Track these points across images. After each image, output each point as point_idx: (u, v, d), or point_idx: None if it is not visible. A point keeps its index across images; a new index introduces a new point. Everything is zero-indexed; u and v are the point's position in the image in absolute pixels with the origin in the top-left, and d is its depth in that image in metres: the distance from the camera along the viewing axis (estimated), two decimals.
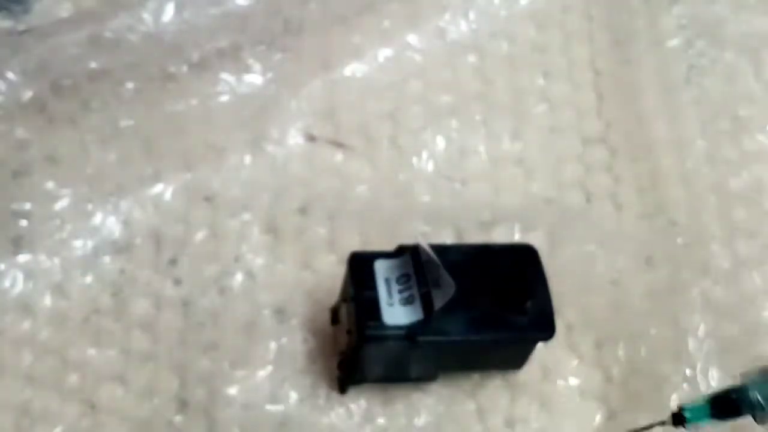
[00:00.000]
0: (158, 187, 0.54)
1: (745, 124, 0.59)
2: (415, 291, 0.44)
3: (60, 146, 0.53)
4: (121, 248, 0.52)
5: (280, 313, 0.51)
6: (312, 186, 0.55)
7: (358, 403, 0.49)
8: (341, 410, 0.49)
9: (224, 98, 0.55)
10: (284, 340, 0.50)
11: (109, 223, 0.52)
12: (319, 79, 0.57)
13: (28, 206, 0.51)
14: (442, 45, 0.60)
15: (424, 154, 0.57)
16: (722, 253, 0.54)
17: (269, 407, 0.48)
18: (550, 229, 0.53)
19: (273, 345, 0.50)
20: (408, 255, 0.45)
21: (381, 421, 0.49)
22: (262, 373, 0.49)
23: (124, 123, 0.53)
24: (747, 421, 0.46)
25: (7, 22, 0.55)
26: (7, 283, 0.50)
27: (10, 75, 0.51)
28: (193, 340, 0.50)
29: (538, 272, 0.46)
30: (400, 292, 0.44)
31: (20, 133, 0.52)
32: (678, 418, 0.45)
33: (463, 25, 0.60)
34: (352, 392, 0.49)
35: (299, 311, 0.51)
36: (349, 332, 0.45)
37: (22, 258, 0.50)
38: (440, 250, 0.45)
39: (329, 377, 0.49)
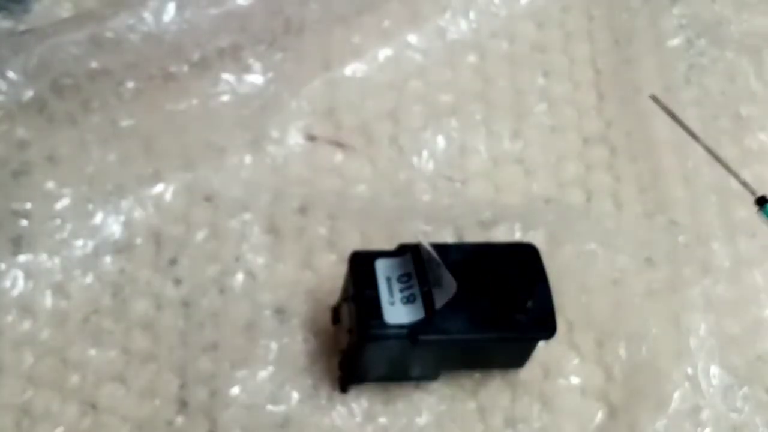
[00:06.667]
0: (158, 187, 0.54)
1: (746, 123, 0.60)
2: (416, 290, 0.44)
3: (60, 146, 0.53)
4: (121, 248, 0.52)
5: (281, 312, 0.51)
6: (312, 186, 0.55)
7: (360, 402, 0.49)
8: (343, 410, 0.48)
9: (225, 98, 0.55)
10: (285, 339, 0.50)
11: (109, 222, 0.52)
12: (320, 79, 0.58)
13: (28, 206, 0.51)
14: (443, 45, 0.60)
15: (425, 154, 0.57)
16: (723, 252, 0.54)
17: (270, 407, 0.48)
18: (550, 229, 0.53)
19: (274, 345, 0.50)
20: (409, 254, 0.45)
21: (382, 420, 0.48)
22: (263, 373, 0.49)
23: (125, 123, 0.53)
24: (747, 420, 0.47)
25: (7, 22, 0.55)
26: (7, 283, 0.50)
27: (11, 75, 0.50)
28: (194, 340, 0.50)
29: (539, 271, 0.46)
30: (401, 291, 0.44)
31: (20, 132, 0.52)
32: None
33: (464, 25, 0.60)
34: (353, 392, 0.49)
35: (300, 311, 0.51)
36: (350, 331, 0.45)
37: (23, 258, 0.50)
38: (441, 249, 0.45)
39: (330, 377, 0.49)
